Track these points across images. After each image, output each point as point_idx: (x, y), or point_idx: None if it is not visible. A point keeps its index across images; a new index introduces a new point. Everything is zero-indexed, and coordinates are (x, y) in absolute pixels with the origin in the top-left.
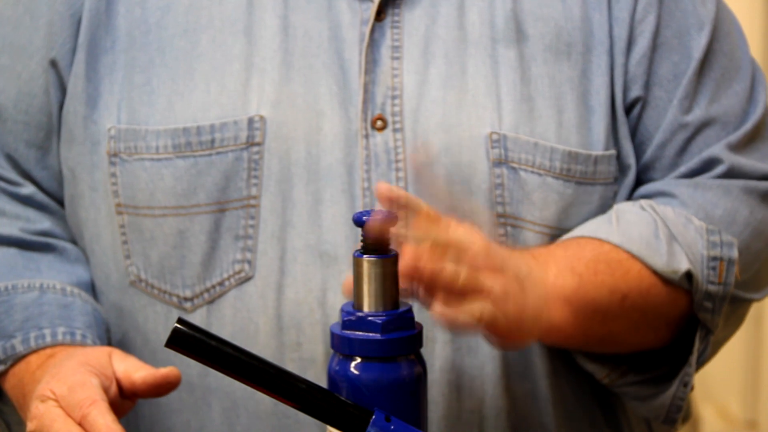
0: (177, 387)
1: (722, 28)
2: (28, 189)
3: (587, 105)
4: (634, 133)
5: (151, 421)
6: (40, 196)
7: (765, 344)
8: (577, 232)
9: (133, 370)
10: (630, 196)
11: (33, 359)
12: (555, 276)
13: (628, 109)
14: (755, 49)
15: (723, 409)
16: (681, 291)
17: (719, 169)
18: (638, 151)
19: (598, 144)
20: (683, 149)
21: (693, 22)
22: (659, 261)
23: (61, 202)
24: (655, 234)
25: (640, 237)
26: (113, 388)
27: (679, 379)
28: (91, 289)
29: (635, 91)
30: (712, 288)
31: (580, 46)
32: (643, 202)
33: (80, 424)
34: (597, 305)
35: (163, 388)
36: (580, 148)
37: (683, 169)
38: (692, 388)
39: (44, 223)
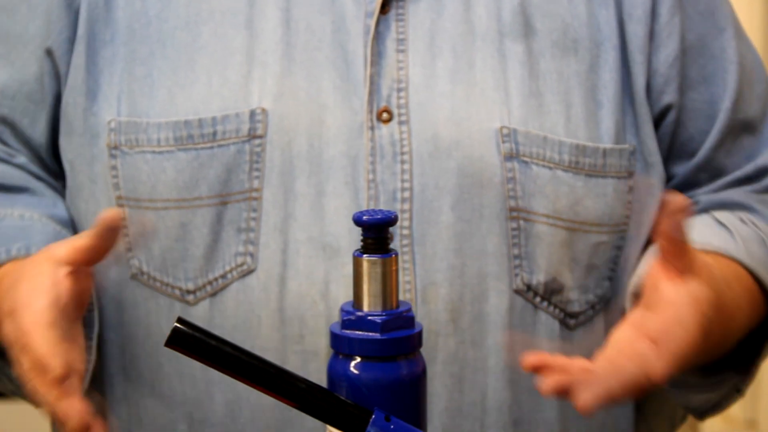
0: (120, 225)
1: (740, 28)
2: (20, 159)
3: (595, 99)
4: (673, 137)
5: (153, 413)
6: (32, 167)
7: None
8: (706, 244)
9: (76, 244)
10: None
11: None
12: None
13: (661, 114)
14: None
15: None
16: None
17: None
18: (681, 153)
19: (607, 137)
20: (729, 152)
21: (711, 24)
22: None
23: (54, 174)
24: (766, 253)
25: (759, 256)
26: (68, 281)
27: (733, 383)
28: (70, 225)
29: (669, 95)
30: None
31: (587, 42)
32: (742, 215)
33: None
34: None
35: (109, 233)
36: (588, 141)
37: (739, 173)
38: (743, 395)
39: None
